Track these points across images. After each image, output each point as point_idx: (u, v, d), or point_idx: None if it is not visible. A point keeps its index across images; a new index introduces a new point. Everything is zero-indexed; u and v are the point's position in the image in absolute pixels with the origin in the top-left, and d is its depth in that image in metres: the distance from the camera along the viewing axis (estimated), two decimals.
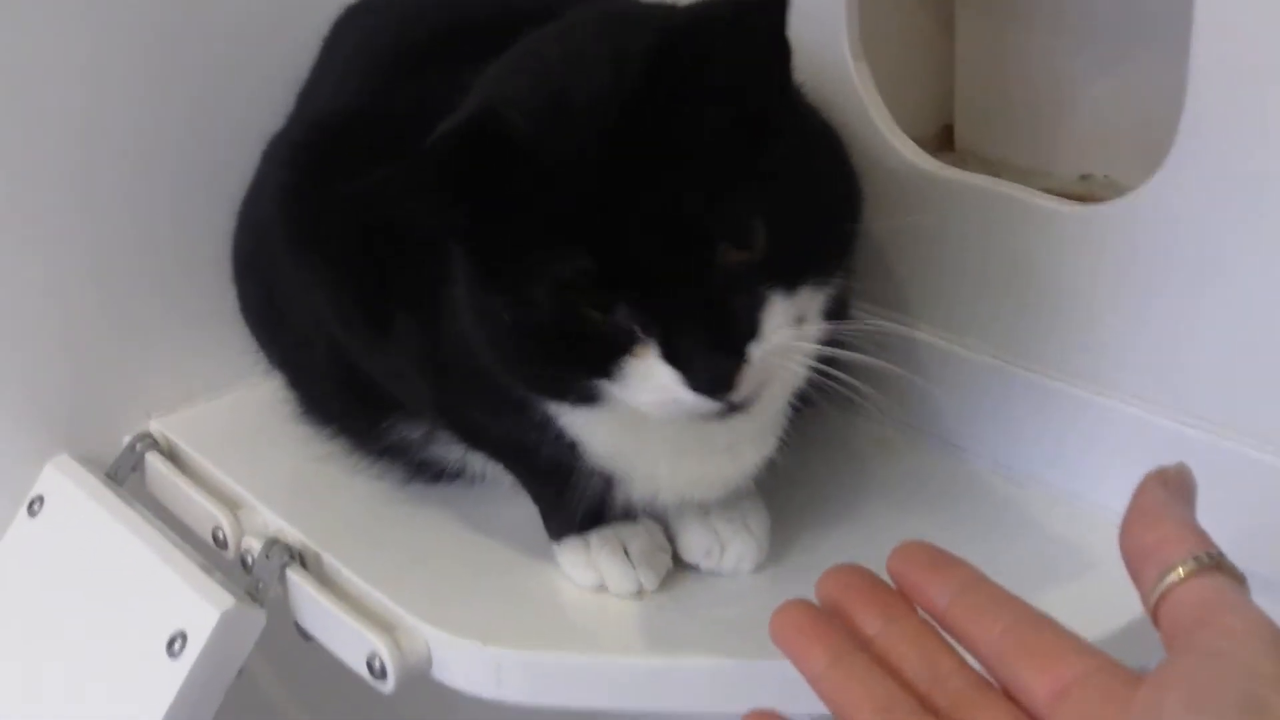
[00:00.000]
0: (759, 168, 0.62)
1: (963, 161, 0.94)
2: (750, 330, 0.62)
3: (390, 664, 0.73)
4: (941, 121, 0.97)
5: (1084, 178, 0.88)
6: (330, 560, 0.81)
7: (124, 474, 0.95)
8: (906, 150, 0.81)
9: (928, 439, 0.85)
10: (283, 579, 0.81)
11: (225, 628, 0.79)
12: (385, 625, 0.75)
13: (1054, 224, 0.75)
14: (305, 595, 0.80)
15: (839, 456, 0.85)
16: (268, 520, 0.86)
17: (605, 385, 0.64)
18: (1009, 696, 0.51)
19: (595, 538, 0.76)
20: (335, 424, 0.90)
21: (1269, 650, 0.46)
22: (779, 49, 0.65)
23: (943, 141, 0.97)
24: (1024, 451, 0.80)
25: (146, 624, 0.81)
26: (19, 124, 0.89)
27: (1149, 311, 0.72)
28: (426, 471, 0.86)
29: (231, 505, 0.88)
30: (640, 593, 0.75)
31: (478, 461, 0.84)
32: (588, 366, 0.63)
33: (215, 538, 0.86)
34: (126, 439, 0.96)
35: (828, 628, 0.55)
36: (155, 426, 0.97)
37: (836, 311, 0.68)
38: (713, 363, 0.61)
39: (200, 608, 0.80)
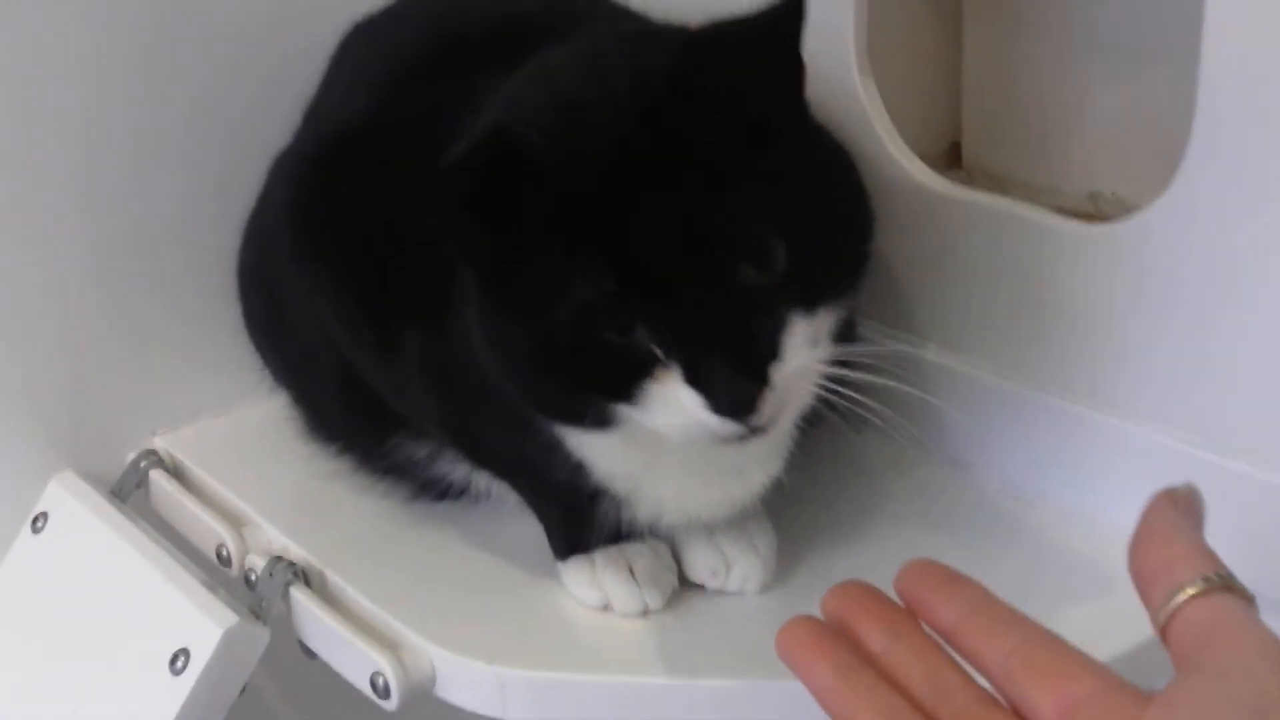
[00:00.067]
0: (778, 187, 0.62)
1: (970, 179, 0.94)
2: (772, 352, 0.62)
3: (394, 682, 0.73)
4: (949, 138, 0.97)
5: (1093, 195, 0.88)
6: (334, 578, 0.81)
7: (128, 491, 0.94)
8: (914, 169, 0.81)
9: (935, 458, 0.85)
10: (286, 597, 0.81)
11: (228, 645, 0.79)
12: (389, 643, 0.75)
13: (1064, 243, 0.75)
14: (309, 613, 0.79)
15: (847, 475, 0.84)
16: (272, 538, 0.86)
17: (624, 408, 0.64)
18: (1017, 715, 0.51)
19: (600, 557, 0.76)
20: (340, 441, 0.90)
21: (1278, 670, 0.45)
22: (795, 67, 0.65)
23: (950, 159, 0.97)
24: (1032, 471, 0.80)
25: (150, 641, 0.81)
26: (20, 129, 0.89)
27: (1159, 331, 0.72)
28: (432, 489, 0.85)
29: (236, 523, 0.87)
30: (645, 612, 0.75)
31: (483, 480, 0.84)
32: (608, 390, 0.63)
33: (219, 555, 0.86)
34: (131, 456, 0.96)
35: (833, 643, 0.55)
36: (160, 443, 0.97)
37: (844, 331, 0.68)
38: (736, 386, 0.61)
39: (203, 625, 0.79)
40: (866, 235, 0.68)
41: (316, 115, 0.90)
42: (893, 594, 0.57)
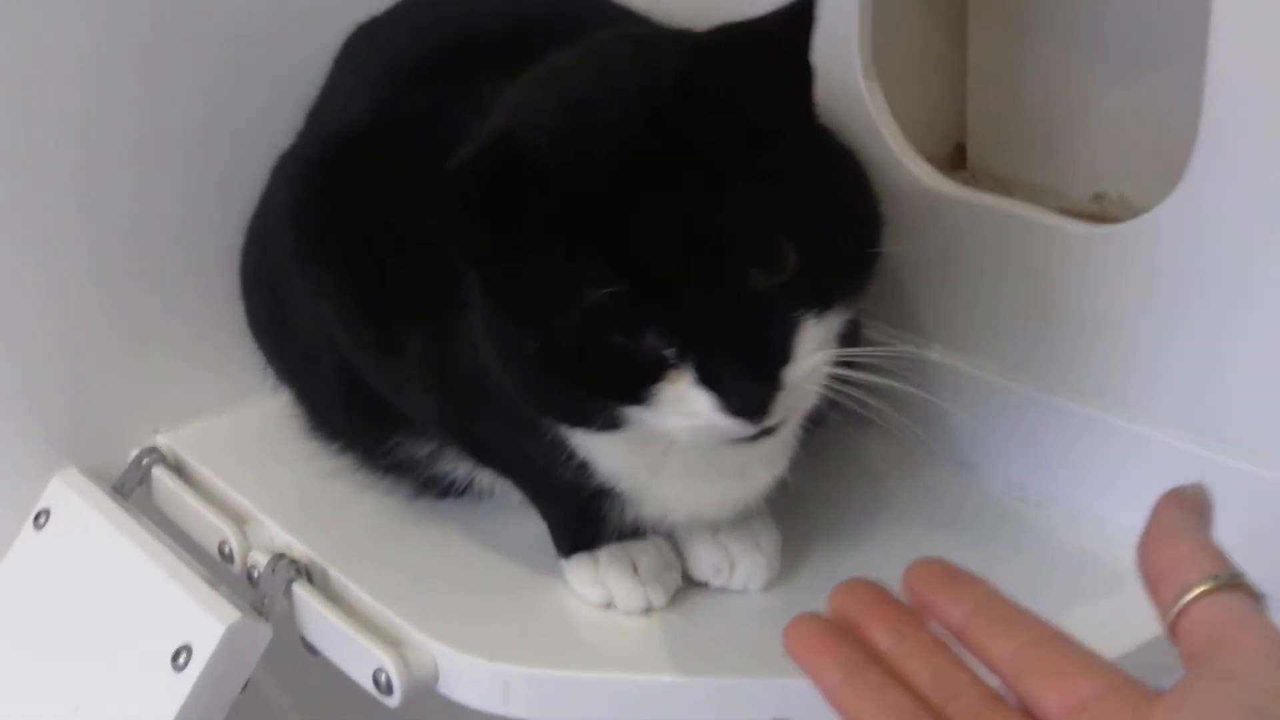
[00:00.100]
0: (788, 191, 0.62)
1: (975, 180, 0.94)
2: (784, 354, 0.62)
3: (396, 679, 0.73)
4: (954, 140, 0.97)
5: (1097, 196, 0.88)
6: (337, 575, 0.81)
7: (130, 488, 0.94)
8: (919, 171, 0.81)
9: (941, 459, 0.84)
10: (289, 593, 0.81)
11: (230, 642, 0.78)
12: (392, 640, 0.75)
13: (1070, 245, 0.75)
14: (311, 610, 0.79)
15: (851, 475, 0.84)
16: (274, 535, 0.86)
17: (633, 410, 0.63)
18: (1025, 713, 0.51)
19: (604, 555, 0.76)
20: (342, 439, 0.90)
21: None
22: (804, 71, 0.65)
23: (955, 160, 0.97)
24: (1038, 472, 0.80)
25: (151, 637, 0.81)
26: (19, 128, 0.89)
27: (1165, 332, 0.72)
28: (434, 487, 0.85)
29: (238, 520, 0.87)
30: (649, 610, 0.75)
31: (485, 478, 0.83)
32: (619, 392, 0.63)
33: (221, 552, 0.86)
34: (133, 453, 0.96)
35: (840, 641, 0.55)
36: (162, 440, 0.97)
37: (850, 333, 0.68)
38: (749, 388, 0.61)
39: (205, 622, 0.79)
40: (875, 238, 0.68)
41: (320, 116, 0.90)
42: (898, 593, 0.57)
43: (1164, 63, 0.82)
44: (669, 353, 0.61)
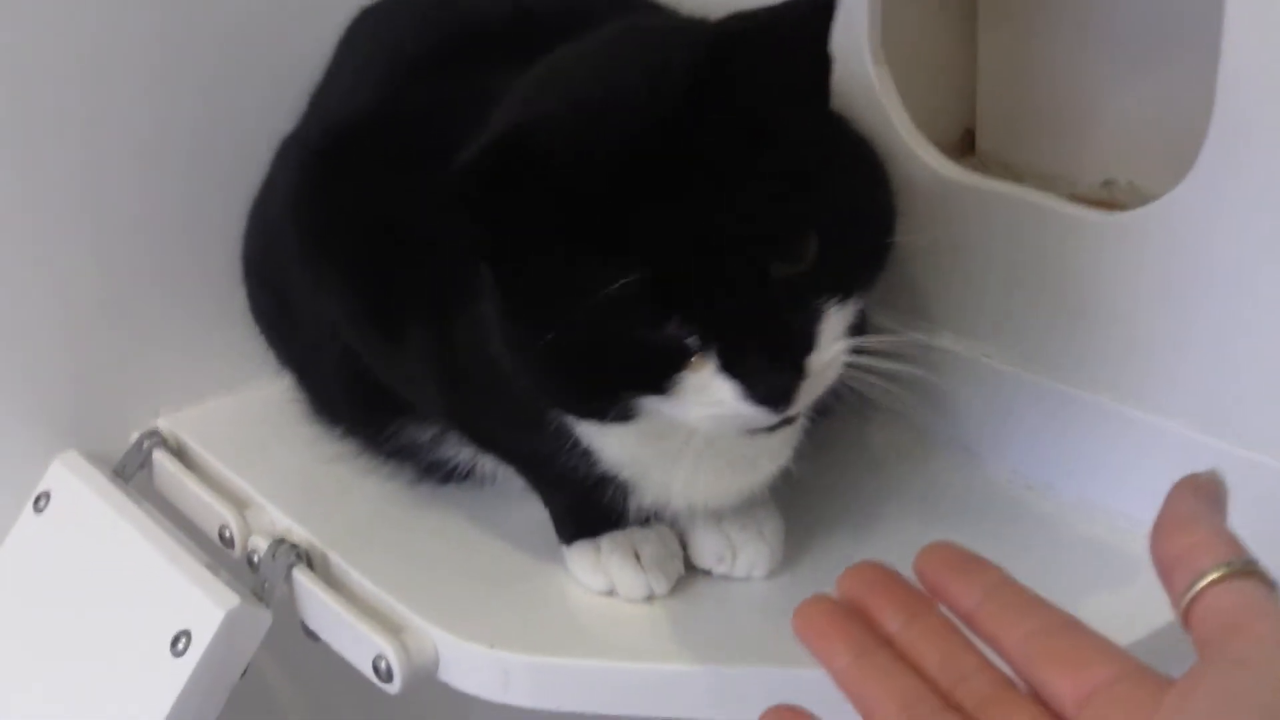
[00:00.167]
0: (806, 179, 0.62)
1: (984, 166, 0.93)
2: (808, 343, 0.62)
3: (396, 666, 0.72)
4: (963, 126, 0.96)
5: (1107, 183, 0.88)
6: (337, 561, 0.80)
7: (131, 471, 0.94)
8: (929, 157, 0.80)
9: (947, 446, 0.84)
10: (289, 579, 0.80)
11: (230, 627, 0.78)
12: (392, 627, 0.75)
13: (1080, 232, 0.74)
14: (311, 596, 0.79)
15: (857, 463, 0.84)
16: (275, 520, 0.85)
17: (653, 401, 0.63)
18: (1035, 698, 0.50)
19: (606, 542, 0.76)
20: (344, 425, 0.90)
21: None
22: (821, 60, 0.65)
23: (964, 146, 0.96)
24: (1044, 459, 0.79)
25: (151, 622, 0.81)
26: (21, 119, 0.89)
27: (1175, 320, 0.71)
28: (436, 473, 0.85)
29: (239, 504, 0.87)
30: (651, 598, 0.75)
31: (488, 464, 0.83)
32: (640, 383, 0.63)
33: (222, 536, 0.86)
34: (134, 436, 0.95)
35: (850, 624, 0.55)
36: (163, 424, 0.96)
37: (858, 321, 0.67)
38: (775, 376, 0.60)
39: (205, 607, 0.79)
40: (892, 226, 0.67)
41: (323, 102, 0.90)
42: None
43: (1175, 49, 0.81)
44: (691, 341, 0.61)
